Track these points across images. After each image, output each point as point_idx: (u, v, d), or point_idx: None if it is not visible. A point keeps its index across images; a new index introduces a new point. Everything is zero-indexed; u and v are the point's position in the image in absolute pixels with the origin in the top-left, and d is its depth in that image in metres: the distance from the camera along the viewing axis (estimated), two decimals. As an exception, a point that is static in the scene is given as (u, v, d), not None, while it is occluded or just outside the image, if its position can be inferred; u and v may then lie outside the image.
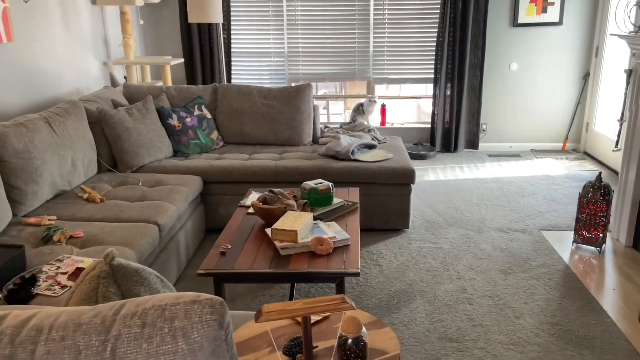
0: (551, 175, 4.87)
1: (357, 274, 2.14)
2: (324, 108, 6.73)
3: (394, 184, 3.57)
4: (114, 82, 4.74)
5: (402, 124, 5.91)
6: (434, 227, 3.73)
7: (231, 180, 3.57)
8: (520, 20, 5.36)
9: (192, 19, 4.51)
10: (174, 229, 3.06)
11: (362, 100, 5.44)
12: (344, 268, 2.15)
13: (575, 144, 5.72)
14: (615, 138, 4.91)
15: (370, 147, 3.93)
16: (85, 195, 3.01)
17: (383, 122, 5.84)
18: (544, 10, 5.33)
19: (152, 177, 3.43)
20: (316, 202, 2.74)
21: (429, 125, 5.78)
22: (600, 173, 3.29)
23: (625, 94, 4.71)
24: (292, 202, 2.65)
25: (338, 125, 4.66)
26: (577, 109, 5.59)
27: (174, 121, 3.85)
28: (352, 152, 3.69)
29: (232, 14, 5.49)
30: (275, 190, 2.73)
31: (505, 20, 5.40)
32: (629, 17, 3.26)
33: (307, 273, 2.14)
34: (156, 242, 2.67)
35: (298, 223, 2.36)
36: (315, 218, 2.62)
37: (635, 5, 3.15)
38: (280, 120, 4.10)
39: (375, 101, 5.31)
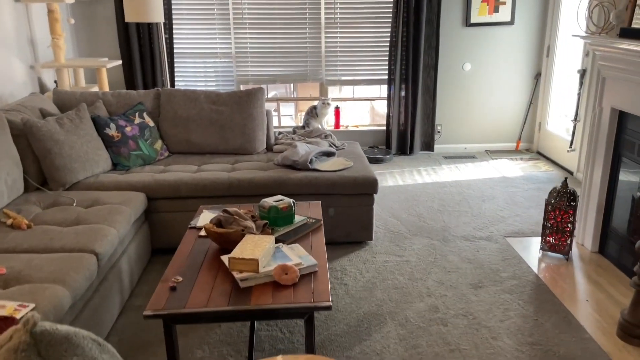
0: (508, 177, 4.80)
1: (329, 308, 1.90)
2: (274, 111, 6.45)
3: (355, 194, 3.36)
4: (42, 88, 4.28)
5: (357, 127, 5.72)
6: (398, 238, 3.55)
7: (179, 195, 3.25)
8: (473, 20, 5.28)
9: (130, 18, 4.13)
10: (115, 255, 2.72)
11: (315, 102, 5.20)
12: (314, 301, 1.90)
13: (528, 143, 5.71)
14: (570, 138, 4.92)
15: (329, 154, 3.70)
16: (9, 221, 2.62)
17: (337, 125, 5.63)
18: (496, 10, 5.27)
19: (88, 195, 3.05)
20: (276, 221, 2.48)
21: (384, 128, 5.62)
22: (566, 179, 3.20)
23: (579, 93, 4.71)
24: (250, 223, 2.38)
25: (291, 130, 4.41)
26: (530, 108, 5.59)
27: (111, 131, 3.48)
28: (311, 162, 3.45)
29: (173, 12, 5.12)
30: (231, 209, 2.45)
31: (458, 20, 5.30)
32: (591, 18, 3.18)
33: (272, 310, 1.88)
34: (94, 275, 2.33)
35: (259, 249, 2.10)
36: (276, 240, 2.37)
37: (597, 5, 3.07)
38: (231, 127, 3.80)
39: (329, 103, 5.09)
